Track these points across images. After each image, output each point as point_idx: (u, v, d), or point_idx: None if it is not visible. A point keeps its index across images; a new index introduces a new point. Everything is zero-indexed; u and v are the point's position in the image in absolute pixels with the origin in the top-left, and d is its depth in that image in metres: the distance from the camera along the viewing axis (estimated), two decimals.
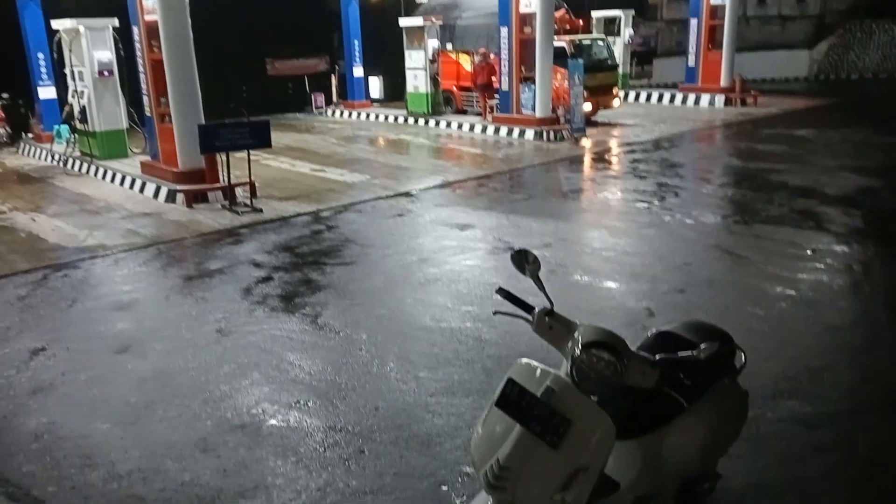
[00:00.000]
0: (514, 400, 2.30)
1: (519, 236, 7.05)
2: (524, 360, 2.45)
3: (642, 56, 23.89)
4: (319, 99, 19.57)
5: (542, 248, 6.71)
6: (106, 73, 11.55)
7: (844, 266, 6.20)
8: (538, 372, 2.36)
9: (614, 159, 12.03)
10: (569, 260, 6.56)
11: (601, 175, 10.94)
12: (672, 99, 18.85)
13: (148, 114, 10.18)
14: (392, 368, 4.55)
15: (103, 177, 11.12)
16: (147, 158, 10.61)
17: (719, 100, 17.57)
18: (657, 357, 2.39)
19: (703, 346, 2.35)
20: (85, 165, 11.78)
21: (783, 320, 5.11)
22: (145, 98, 10.09)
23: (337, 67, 19.92)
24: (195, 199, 9.19)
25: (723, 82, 17.57)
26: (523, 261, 2.63)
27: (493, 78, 14.94)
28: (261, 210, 8.72)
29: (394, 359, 4.67)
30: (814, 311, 5.27)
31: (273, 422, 3.97)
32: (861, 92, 18.93)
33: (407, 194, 9.49)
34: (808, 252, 6.49)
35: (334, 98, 19.86)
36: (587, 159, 12.13)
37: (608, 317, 5.04)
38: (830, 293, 5.60)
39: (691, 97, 18.25)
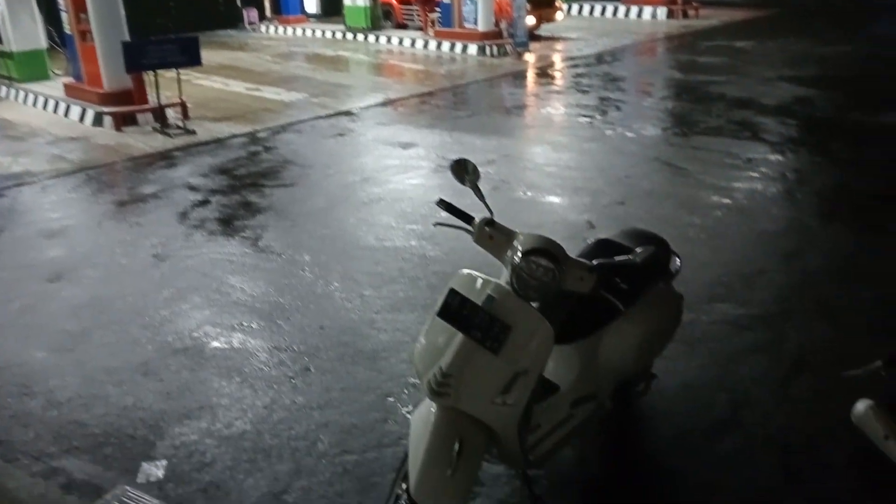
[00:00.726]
0: (455, 309, 2.31)
1: (462, 154, 6.88)
2: (465, 270, 2.44)
3: None
4: (252, 14, 18.67)
5: (486, 165, 6.67)
6: None
7: (778, 174, 6.36)
8: (479, 282, 2.37)
9: (557, 74, 11.92)
10: (512, 176, 6.55)
11: (544, 90, 10.84)
12: (615, 12, 18.64)
13: (68, 31, 9.53)
14: (336, 288, 4.53)
15: (24, 101, 10.49)
16: (70, 80, 10.00)
17: (661, 12, 17.47)
18: (594, 262, 2.42)
19: (638, 250, 2.38)
20: (3, 89, 11.07)
21: (719, 228, 5.25)
22: (63, 14, 9.42)
23: None
24: (124, 121, 8.77)
25: None
26: (462, 170, 2.59)
27: None
28: (194, 132, 8.39)
29: (338, 278, 4.65)
30: (748, 218, 5.42)
31: (216, 344, 3.93)
32: (800, 2, 19.05)
33: (347, 113, 9.25)
34: (744, 162, 6.63)
35: (268, 13, 18.98)
36: (530, 74, 11.99)
37: (551, 231, 4.97)
38: (764, 201, 5.76)
39: (634, 10, 18.07)
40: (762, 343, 3.83)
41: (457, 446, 2.25)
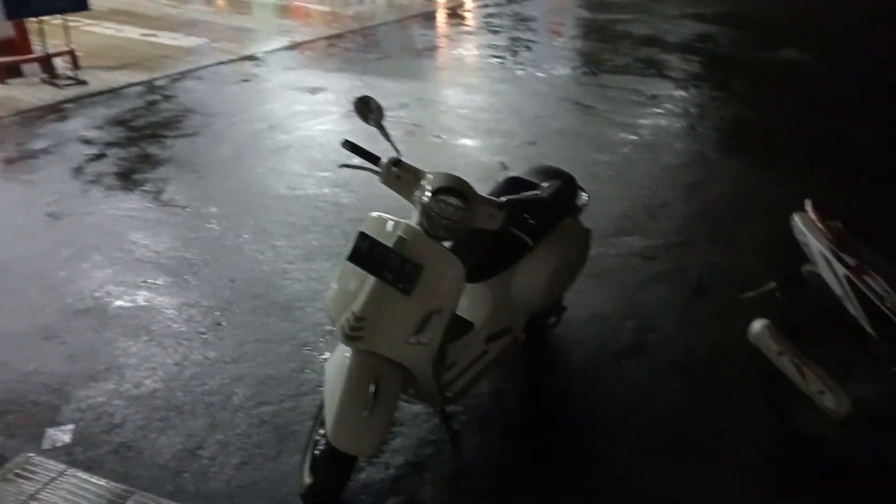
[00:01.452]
0: (366, 252, 2.29)
1: (374, 98, 6.84)
2: (375, 213, 2.41)
3: None
4: None
5: (399, 109, 6.56)
6: None
7: (682, 110, 6.55)
8: (389, 224, 2.35)
9: (468, 14, 11.76)
10: (426, 119, 6.47)
11: (455, 31, 10.69)
12: None
13: None
14: (247, 240, 4.40)
15: None
16: None
17: None
18: (503, 199, 2.43)
19: (544, 185, 2.40)
20: None
21: (625, 164, 5.39)
22: None
23: None
24: (7, 73, 8.11)
25: None
26: (366, 109, 2.54)
27: None
28: (86, 82, 7.85)
29: (248, 230, 4.51)
30: (653, 153, 5.58)
31: (120, 303, 3.76)
32: None
33: (251, 58, 8.86)
34: (649, 99, 6.79)
35: None
36: (441, 15, 11.78)
37: (464, 173, 5.01)
38: (668, 136, 5.94)
39: None
40: (666, 272, 3.99)
41: (372, 388, 2.26)
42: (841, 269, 2.51)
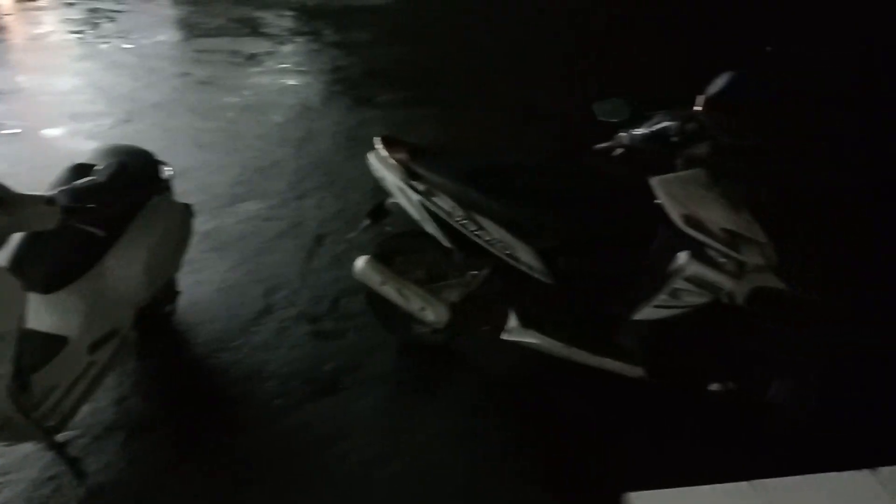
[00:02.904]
0: None
1: None
2: None
3: None
4: None
5: None
6: None
7: (280, 66, 6.57)
8: None
9: None
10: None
11: (22, 8, 9.24)
12: None
13: None
14: None
15: None
16: None
17: None
18: (51, 193, 2.16)
19: (97, 167, 2.19)
20: None
21: (232, 128, 5.26)
22: None
23: None
24: None
25: None
26: None
27: None
28: None
29: None
30: (259, 113, 5.53)
31: None
32: None
33: None
34: (248, 58, 6.68)
35: None
36: None
37: (43, 168, 4.46)
38: (271, 94, 5.93)
39: None
40: (286, 229, 4.03)
41: None
42: (414, 196, 2.74)
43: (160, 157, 2.91)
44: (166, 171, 2.94)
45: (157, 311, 3.06)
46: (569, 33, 7.61)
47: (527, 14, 8.06)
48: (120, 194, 2.53)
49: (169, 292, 3.11)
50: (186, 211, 3.08)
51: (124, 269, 2.65)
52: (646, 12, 8.08)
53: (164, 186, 2.92)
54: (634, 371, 2.69)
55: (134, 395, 2.90)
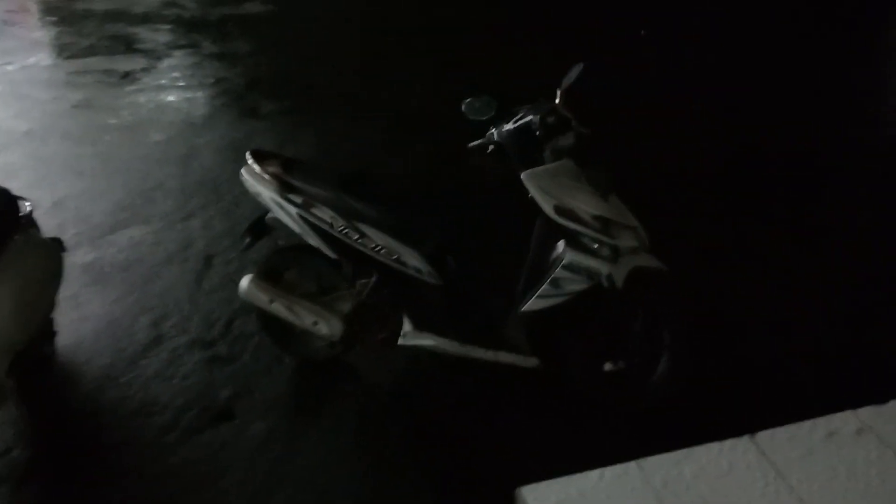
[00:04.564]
0: None
1: None
2: None
3: None
4: None
5: None
6: None
7: (158, 82, 6.32)
8: None
9: None
10: None
11: None
12: None
13: None
14: None
15: None
16: None
17: None
18: None
19: None
20: None
21: (111, 152, 5.03)
22: None
23: None
24: None
25: None
26: None
27: None
28: None
29: None
30: (138, 133, 5.31)
31: None
32: None
33: None
34: (122, 77, 6.39)
35: None
36: None
37: None
38: (150, 112, 5.70)
39: None
40: (174, 252, 3.90)
41: None
42: (292, 209, 2.70)
43: (35, 188, 2.76)
44: (26, 207, 2.78)
45: (35, 355, 2.89)
46: (441, 38, 7.65)
47: (401, 22, 8.05)
48: None
49: (47, 333, 2.95)
50: (55, 246, 2.93)
51: None
52: (515, 9, 8.24)
53: (25, 223, 2.76)
54: (529, 362, 2.75)
55: (17, 446, 2.73)
